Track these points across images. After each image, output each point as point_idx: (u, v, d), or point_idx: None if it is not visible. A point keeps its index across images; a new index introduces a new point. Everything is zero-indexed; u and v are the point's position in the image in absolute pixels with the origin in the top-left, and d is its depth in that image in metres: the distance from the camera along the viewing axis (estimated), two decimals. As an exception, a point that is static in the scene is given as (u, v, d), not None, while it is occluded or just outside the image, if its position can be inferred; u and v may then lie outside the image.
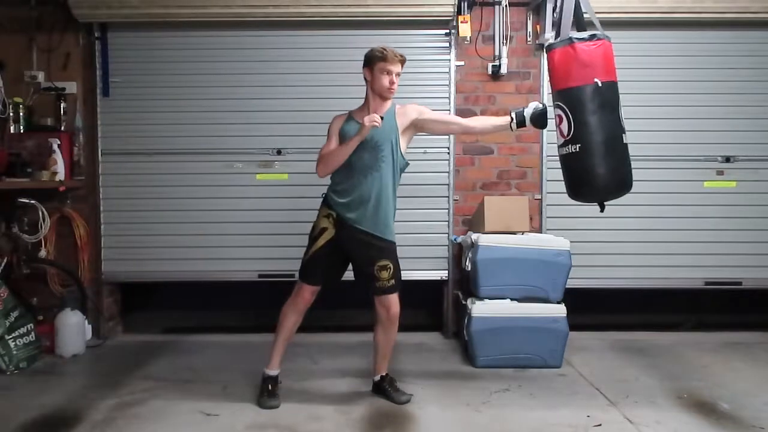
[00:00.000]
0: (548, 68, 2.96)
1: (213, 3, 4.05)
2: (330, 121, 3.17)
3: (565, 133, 2.86)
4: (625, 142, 2.85)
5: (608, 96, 2.78)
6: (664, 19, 4.14)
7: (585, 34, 2.78)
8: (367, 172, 3.02)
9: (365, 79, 3.08)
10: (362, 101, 3.15)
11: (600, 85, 2.75)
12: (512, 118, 3.10)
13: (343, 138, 3.05)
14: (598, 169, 2.82)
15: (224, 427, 2.86)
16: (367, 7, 4.05)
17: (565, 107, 2.84)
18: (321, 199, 3.17)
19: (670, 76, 4.28)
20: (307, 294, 3.11)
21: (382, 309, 3.10)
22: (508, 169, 4.36)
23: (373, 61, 3.01)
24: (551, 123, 3.06)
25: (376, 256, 3.04)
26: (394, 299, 3.09)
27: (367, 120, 2.91)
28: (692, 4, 4.07)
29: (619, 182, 2.88)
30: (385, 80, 3.01)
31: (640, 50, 4.26)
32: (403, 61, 3.04)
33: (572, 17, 2.82)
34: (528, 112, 3.08)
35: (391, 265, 3.05)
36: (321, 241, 3.07)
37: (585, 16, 2.87)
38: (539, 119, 3.07)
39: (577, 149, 2.83)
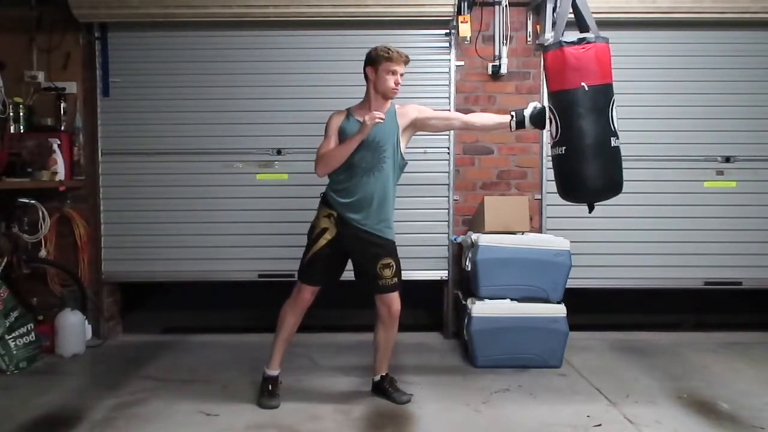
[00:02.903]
0: (543, 70, 2.99)
1: (213, 3, 4.05)
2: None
3: (554, 135, 2.91)
4: (614, 145, 2.84)
5: (597, 100, 2.78)
6: (664, 19, 4.15)
7: (574, 38, 2.78)
8: (370, 172, 3.02)
9: (367, 77, 3.07)
10: (361, 99, 3.15)
11: (587, 89, 2.76)
12: (512, 116, 3.11)
13: (342, 137, 3.04)
14: (583, 172, 2.84)
15: (224, 427, 2.86)
16: (367, 7, 4.05)
17: (554, 109, 2.88)
18: (319, 199, 3.17)
19: (670, 76, 4.28)
20: (307, 294, 3.11)
21: (383, 307, 3.10)
22: (508, 169, 4.36)
23: (378, 60, 3.00)
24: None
25: (379, 254, 3.05)
26: (395, 297, 3.10)
27: (368, 118, 2.89)
28: (692, 4, 4.08)
29: (607, 184, 2.89)
30: (390, 80, 3.01)
31: (640, 50, 4.26)
32: (407, 62, 3.05)
33: (566, 19, 2.83)
34: (527, 112, 3.09)
35: (393, 263, 3.07)
36: (322, 242, 3.05)
37: (585, 17, 2.88)
38: (538, 119, 3.07)
39: (563, 151, 2.87)
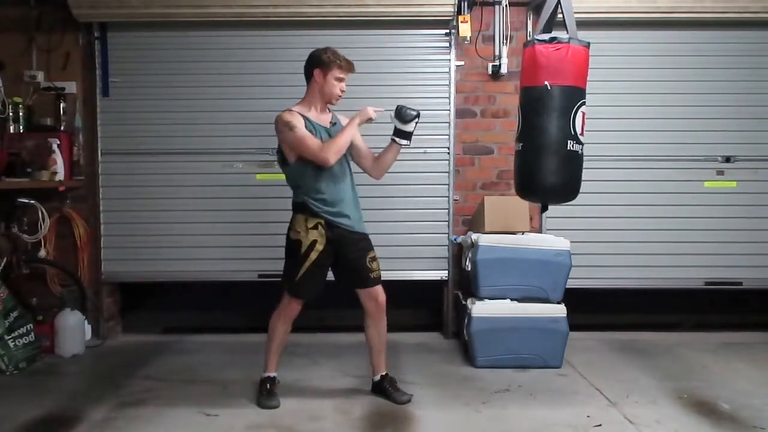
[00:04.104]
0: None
1: (213, 3, 4.05)
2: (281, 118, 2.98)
3: (516, 131, 2.94)
4: (571, 148, 2.79)
5: (559, 100, 2.77)
6: (664, 19, 4.14)
7: (546, 36, 2.77)
8: (344, 177, 3.07)
9: (312, 78, 3.02)
10: (309, 100, 3.07)
11: (549, 88, 2.75)
12: (392, 138, 3.05)
13: None
14: (534, 170, 2.84)
15: (224, 427, 2.86)
16: (367, 7, 4.05)
17: (519, 105, 2.91)
18: (292, 212, 3.10)
19: (670, 76, 4.27)
20: (297, 307, 3.11)
21: (370, 301, 3.11)
22: (508, 169, 4.34)
23: (330, 66, 2.97)
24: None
25: (366, 248, 3.11)
26: (381, 289, 3.14)
27: (372, 112, 2.96)
28: (692, 4, 4.08)
29: (559, 186, 2.86)
30: (337, 88, 3.02)
31: (640, 50, 4.26)
32: (353, 71, 3.05)
33: (547, 17, 2.84)
34: (393, 117, 3.02)
35: (375, 255, 3.14)
36: (313, 256, 3.01)
37: (566, 18, 2.86)
38: (398, 114, 2.99)
39: (520, 148, 2.89)
